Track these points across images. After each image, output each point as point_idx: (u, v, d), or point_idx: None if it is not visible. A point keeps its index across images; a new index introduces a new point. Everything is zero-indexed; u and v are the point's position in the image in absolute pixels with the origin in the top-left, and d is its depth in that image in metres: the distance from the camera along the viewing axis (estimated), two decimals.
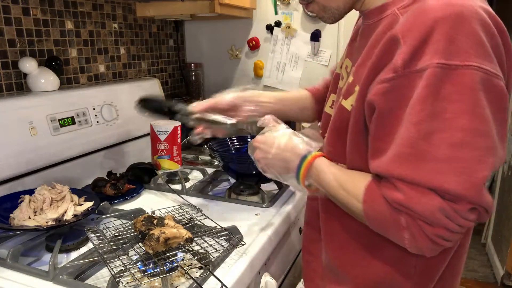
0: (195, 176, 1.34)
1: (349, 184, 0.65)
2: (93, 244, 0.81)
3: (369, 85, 0.60)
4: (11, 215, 0.90)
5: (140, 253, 0.79)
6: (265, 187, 1.20)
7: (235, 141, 1.29)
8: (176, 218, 0.92)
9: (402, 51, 0.54)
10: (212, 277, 0.73)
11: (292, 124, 1.40)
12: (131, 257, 0.78)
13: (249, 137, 1.31)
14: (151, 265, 0.74)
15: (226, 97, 0.91)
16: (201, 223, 0.92)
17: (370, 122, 0.61)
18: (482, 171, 0.52)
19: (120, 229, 0.88)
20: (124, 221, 0.95)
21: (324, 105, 0.84)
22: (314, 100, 0.99)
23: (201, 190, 1.21)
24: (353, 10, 0.73)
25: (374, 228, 0.63)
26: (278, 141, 0.73)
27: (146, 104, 0.95)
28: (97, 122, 1.26)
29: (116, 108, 1.34)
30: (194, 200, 1.11)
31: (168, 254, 0.76)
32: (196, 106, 0.90)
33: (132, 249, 0.82)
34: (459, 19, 0.52)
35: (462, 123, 0.51)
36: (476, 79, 0.51)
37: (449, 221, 0.53)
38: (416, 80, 0.53)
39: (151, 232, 0.76)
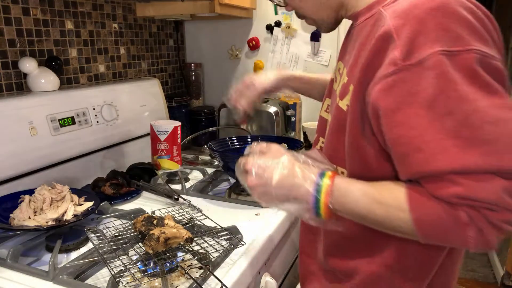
0: (195, 176, 1.34)
1: (384, 195, 0.58)
2: (93, 244, 0.81)
3: (363, 83, 0.59)
4: (11, 215, 0.90)
5: (140, 253, 0.79)
6: None
7: (235, 141, 1.29)
8: (176, 218, 0.93)
9: (398, 44, 0.54)
10: (212, 277, 0.73)
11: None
12: (131, 257, 0.78)
13: (249, 136, 1.31)
14: (151, 265, 0.74)
15: (263, 83, 0.99)
16: (201, 223, 0.92)
17: (377, 128, 0.58)
18: None
19: (120, 229, 0.88)
20: (124, 221, 0.95)
21: (320, 109, 0.84)
22: None
23: (201, 190, 1.21)
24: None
25: (429, 239, 0.57)
26: (280, 166, 0.63)
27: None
28: (97, 122, 1.26)
29: (116, 108, 1.34)
30: (194, 200, 1.11)
31: (168, 254, 0.76)
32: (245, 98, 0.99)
33: (132, 249, 0.82)
34: (448, 8, 0.53)
35: (487, 101, 0.51)
36: (478, 62, 0.52)
37: (501, 208, 0.51)
38: (420, 72, 0.52)
39: (151, 232, 0.76)
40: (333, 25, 0.78)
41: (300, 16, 0.79)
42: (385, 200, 0.58)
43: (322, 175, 0.62)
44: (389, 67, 0.54)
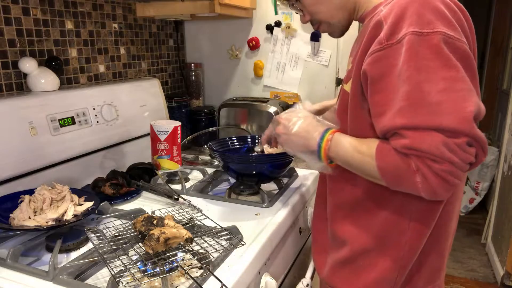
0: (195, 176, 1.34)
1: (363, 147, 0.73)
2: (93, 244, 0.81)
3: (361, 62, 0.71)
4: (11, 215, 0.90)
5: (140, 253, 0.79)
6: (265, 187, 1.20)
7: (235, 141, 1.29)
8: (176, 218, 0.92)
9: (385, 29, 0.67)
10: (212, 277, 0.73)
11: None
12: (131, 257, 0.78)
13: (248, 136, 1.31)
14: (151, 265, 0.74)
15: (312, 107, 1.03)
16: (201, 223, 0.92)
17: (367, 91, 0.71)
18: (469, 106, 0.62)
19: (120, 229, 0.88)
20: (124, 221, 0.95)
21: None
22: None
23: (201, 190, 1.21)
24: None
25: (389, 183, 0.70)
26: (300, 121, 0.82)
27: None
28: (97, 122, 1.26)
29: (116, 108, 1.34)
30: (194, 200, 1.11)
31: (168, 254, 0.76)
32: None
33: (132, 249, 0.82)
34: (425, 0, 0.65)
35: (442, 74, 0.63)
36: (443, 41, 0.63)
37: (452, 155, 0.62)
38: (398, 49, 0.65)
39: (151, 232, 0.76)
40: (346, 28, 0.88)
41: (315, 22, 0.88)
42: (363, 150, 0.72)
43: (326, 130, 0.78)
44: (376, 45, 0.68)
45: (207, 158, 1.53)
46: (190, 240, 0.77)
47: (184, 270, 0.74)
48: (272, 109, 1.56)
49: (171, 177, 1.29)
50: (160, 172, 1.25)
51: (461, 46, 0.64)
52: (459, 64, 0.64)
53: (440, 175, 0.63)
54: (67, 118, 1.17)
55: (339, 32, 0.88)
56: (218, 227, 0.89)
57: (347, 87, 0.78)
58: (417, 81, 0.63)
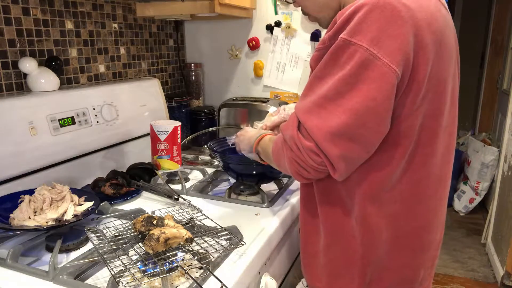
0: (195, 176, 1.34)
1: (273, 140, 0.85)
2: (93, 244, 0.81)
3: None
4: (11, 215, 0.90)
5: (140, 253, 0.79)
6: (265, 187, 1.20)
7: None
8: (176, 218, 0.92)
9: (331, 29, 0.69)
10: (212, 277, 0.73)
11: None
12: (131, 257, 0.78)
13: None
14: (151, 265, 0.74)
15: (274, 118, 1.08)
16: (201, 223, 0.92)
17: None
18: (335, 122, 0.66)
19: (120, 229, 0.88)
20: (124, 221, 0.95)
21: None
22: None
23: (201, 190, 1.21)
24: None
25: (276, 163, 0.83)
26: (249, 131, 1.01)
27: None
28: (97, 122, 1.26)
29: (116, 108, 1.34)
30: (194, 200, 1.11)
31: (168, 254, 0.76)
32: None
33: (132, 249, 0.82)
34: (372, 8, 0.64)
35: (337, 84, 0.66)
36: (362, 57, 0.63)
37: (295, 150, 0.71)
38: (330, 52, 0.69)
39: (151, 232, 0.76)
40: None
41: (304, 13, 0.90)
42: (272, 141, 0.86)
43: (260, 135, 0.94)
44: (320, 44, 0.72)
45: (207, 158, 1.53)
46: (190, 240, 0.77)
47: (184, 270, 0.74)
48: (272, 109, 1.56)
49: (171, 177, 1.29)
50: (160, 172, 1.25)
51: (380, 67, 0.63)
52: (362, 85, 0.64)
53: (293, 161, 0.73)
54: (67, 118, 1.17)
55: (325, 24, 0.87)
56: (218, 227, 0.89)
57: None
58: (315, 81, 0.70)
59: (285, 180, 1.25)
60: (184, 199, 1.09)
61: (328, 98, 0.67)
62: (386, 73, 0.63)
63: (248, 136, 0.98)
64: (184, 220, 0.93)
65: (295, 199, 1.13)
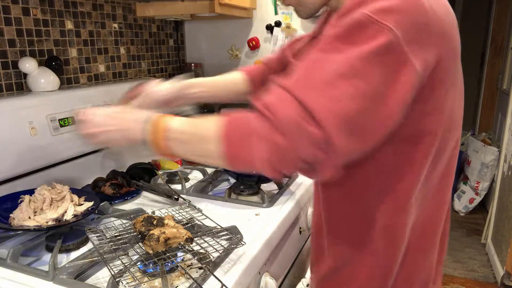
0: (195, 176, 1.34)
1: (202, 120, 0.66)
2: (93, 244, 0.81)
3: None
4: (11, 215, 0.90)
5: (140, 253, 0.79)
6: (265, 187, 1.20)
7: None
8: (176, 218, 0.92)
9: (341, 9, 0.60)
10: (212, 277, 0.73)
11: None
12: (131, 257, 0.78)
13: None
14: (151, 265, 0.74)
15: (160, 91, 0.93)
16: (201, 223, 0.92)
17: None
18: (348, 106, 0.54)
19: (120, 229, 0.88)
20: (124, 221, 0.95)
21: None
22: (249, 83, 0.99)
23: (201, 190, 1.21)
24: None
25: (225, 151, 0.62)
26: (110, 110, 0.75)
27: None
28: None
29: None
30: (194, 200, 1.11)
31: (168, 254, 0.76)
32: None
33: (132, 249, 0.82)
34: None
35: (354, 62, 0.54)
36: (387, 39, 0.54)
37: (290, 135, 0.54)
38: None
39: (151, 232, 0.76)
40: (315, 12, 0.80)
41: None
42: (200, 123, 0.68)
43: (158, 116, 0.70)
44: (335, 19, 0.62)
45: None
46: (190, 240, 0.77)
47: (184, 270, 0.74)
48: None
49: (171, 177, 1.29)
50: (160, 172, 1.25)
51: (403, 54, 0.55)
52: (378, 69, 0.55)
53: (273, 151, 0.57)
54: (67, 118, 1.17)
55: (307, 14, 0.81)
56: (218, 227, 0.89)
57: None
58: (324, 56, 0.58)
59: (285, 180, 1.25)
60: (184, 199, 1.09)
61: (346, 77, 0.55)
62: (408, 60, 0.56)
63: (127, 118, 0.72)
64: (184, 220, 0.93)
65: (295, 199, 1.13)
